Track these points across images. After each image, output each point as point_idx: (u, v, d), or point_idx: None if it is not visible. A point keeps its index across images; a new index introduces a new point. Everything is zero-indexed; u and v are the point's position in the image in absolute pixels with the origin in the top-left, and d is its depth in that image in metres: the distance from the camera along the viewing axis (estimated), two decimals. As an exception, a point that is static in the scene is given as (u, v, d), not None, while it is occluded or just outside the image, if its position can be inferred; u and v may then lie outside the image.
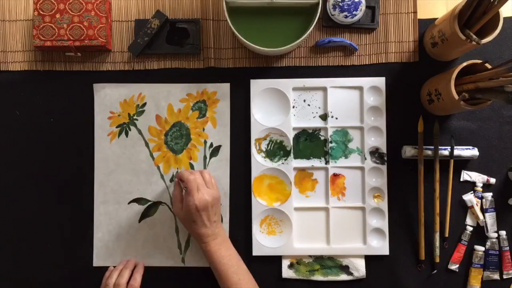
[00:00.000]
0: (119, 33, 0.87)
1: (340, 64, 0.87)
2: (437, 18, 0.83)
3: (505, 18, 0.75)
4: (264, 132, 0.86)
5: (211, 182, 0.80)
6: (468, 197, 0.84)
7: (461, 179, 0.86)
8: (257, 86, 0.86)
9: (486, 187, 0.85)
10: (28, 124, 0.87)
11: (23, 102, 0.87)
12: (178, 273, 0.85)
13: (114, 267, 0.83)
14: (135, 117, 0.87)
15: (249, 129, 0.86)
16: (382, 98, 0.86)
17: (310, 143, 0.86)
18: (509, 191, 0.85)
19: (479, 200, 0.85)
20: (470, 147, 0.84)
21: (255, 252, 0.84)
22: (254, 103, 0.86)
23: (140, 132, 0.87)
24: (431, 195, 0.84)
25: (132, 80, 0.87)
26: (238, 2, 0.81)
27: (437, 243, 0.84)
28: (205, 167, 0.86)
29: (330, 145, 0.86)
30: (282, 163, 0.86)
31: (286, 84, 0.86)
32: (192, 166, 0.86)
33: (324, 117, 0.87)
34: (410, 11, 0.87)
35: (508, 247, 0.85)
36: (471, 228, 0.85)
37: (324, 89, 0.86)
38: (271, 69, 0.87)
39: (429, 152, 0.84)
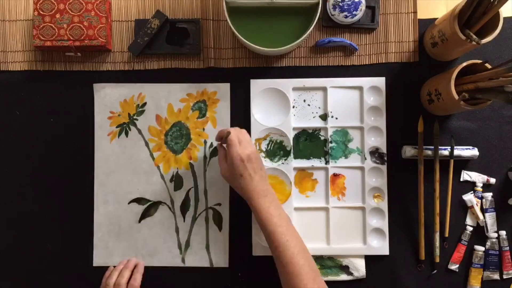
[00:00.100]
0: (119, 33, 0.87)
1: (340, 64, 0.87)
2: (437, 18, 0.83)
3: (505, 18, 0.75)
4: (264, 132, 0.86)
5: (248, 137, 0.78)
6: (468, 197, 0.84)
7: (461, 179, 0.86)
8: (257, 86, 0.86)
9: (486, 187, 0.85)
10: (28, 124, 0.87)
11: (23, 102, 0.87)
12: (178, 273, 0.85)
13: (114, 267, 0.83)
14: (135, 117, 0.87)
15: (249, 129, 0.86)
16: (382, 98, 0.86)
17: (310, 143, 0.86)
18: (509, 191, 0.85)
19: (479, 200, 0.85)
20: (470, 147, 0.84)
21: (255, 252, 0.84)
22: (254, 103, 0.86)
23: (140, 132, 0.87)
24: (431, 195, 0.84)
25: (132, 80, 0.87)
26: (238, 2, 0.81)
27: (437, 243, 0.84)
28: (205, 167, 0.86)
29: (330, 145, 0.86)
30: (282, 163, 0.86)
31: (286, 84, 0.86)
32: (192, 166, 0.86)
33: (324, 117, 0.87)
34: (410, 11, 0.87)
35: (508, 247, 0.85)
36: (471, 228, 0.85)
37: (324, 89, 0.86)
38: (271, 69, 0.87)
39: (429, 152, 0.84)
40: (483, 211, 0.85)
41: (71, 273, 0.85)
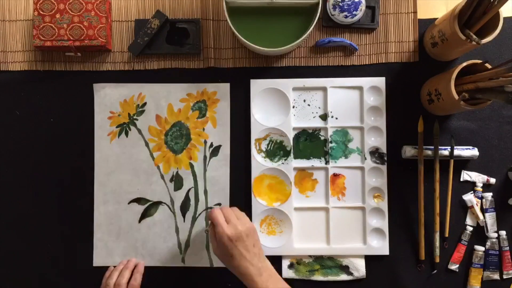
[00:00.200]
0: (119, 33, 0.87)
1: (340, 64, 0.87)
2: (437, 18, 0.83)
3: (505, 18, 0.75)
4: (264, 132, 0.86)
5: (242, 215, 0.76)
6: (468, 197, 0.84)
7: (461, 179, 0.86)
8: (257, 86, 0.86)
9: (486, 187, 0.85)
10: (28, 124, 0.87)
11: (23, 102, 0.87)
12: (178, 273, 0.85)
13: (114, 267, 0.83)
14: (135, 117, 0.87)
15: (249, 129, 0.86)
16: (382, 98, 0.86)
17: (310, 143, 0.86)
18: (509, 191, 0.85)
19: (479, 200, 0.85)
20: (470, 147, 0.84)
21: (255, 252, 0.84)
22: (254, 103, 0.86)
23: (140, 132, 0.87)
24: (431, 195, 0.84)
25: (132, 80, 0.87)
26: (238, 2, 0.81)
27: (437, 243, 0.84)
28: (205, 167, 0.86)
29: (330, 145, 0.86)
30: (282, 163, 0.86)
31: (286, 84, 0.86)
32: (192, 166, 0.86)
33: (324, 117, 0.87)
34: (410, 11, 0.87)
35: (508, 247, 0.85)
36: (471, 228, 0.85)
37: (324, 89, 0.86)
38: (271, 69, 0.87)
39: (429, 152, 0.84)
40: (483, 211, 0.85)
41: (71, 273, 0.85)
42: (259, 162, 0.85)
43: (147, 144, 0.87)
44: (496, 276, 0.85)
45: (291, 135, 0.86)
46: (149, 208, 0.86)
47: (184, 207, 0.86)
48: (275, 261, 0.84)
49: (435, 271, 0.84)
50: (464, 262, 0.85)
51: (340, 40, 0.86)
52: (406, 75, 0.86)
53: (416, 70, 0.86)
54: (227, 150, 0.86)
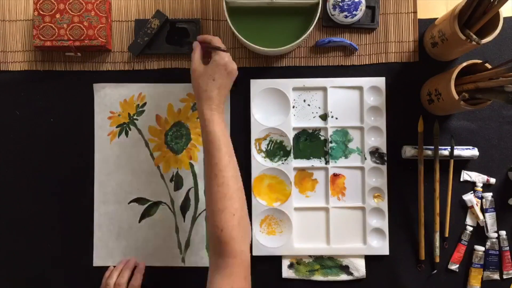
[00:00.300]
0: (119, 33, 0.87)
1: (340, 64, 0.87)
2: (437, 18, 0.83)
3: (505, 18, 0.75)
4: (264, 132, 0.86)
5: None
6: (468, 197, 0.84)
7: (461, 179, 0.86)
8: (257, 86, 0.86)
9: (486, 187, 0.85)
10: (28, 124, 0.87)
11: (23, 102, 0.87)
12: (178, 273, 0.85)
13: (114, 267, 0.83)
14: (135, 117, 0.87)
15: (249, 129, 0.86)
16: (382, 98, 0.86)
17: (310, 143, 0.86)
18: (509, 191, 0.85)
19: (479, 200, 0.85)
20: (470, 147, 0.84)
21: (255, 252, 0.84)
22: (254, 103, 0.86)
23: (140, 132, 0.87)
24: (431, 195, 0.84)
25: (132, 80, 0.87)
26: (238, 2, 0.81)
27: (437, 243, 0.84)
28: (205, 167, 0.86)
29: (330, 145, 0.86)
30: (282, 163, 0.86)
31: (286, 84, 0.86)
32: (192, 166, 0.86)
33: (324, 117, 0.87)
34: (410, 11, 0.87)
35: (508, 247, 0.85)
36: (471, 228, 0.85)
37: (324, 89, 0.86)
38: (271, 69, 0.87)
39: (429, 152, 0.84)
40: (483, 211, 0.85)
41: (71, 273, 0.85)
42: (259, 162, 0.85)
43: (147, 144, 0.87)
44: (496, 276, 0.85)
45: (291, 135, 0.86)
46: (149, 208, 0.86)
47: (184, 207, 0.86)
48: (275, 261, 0.85)
49: (435, 271, 0.84)
50: (464, 262, 0.85)
51: (340, 40, 0.86)
52: (406, 75, 0.86)
53: (416, 70, 0.86)
54: (227, 150, 0.86)
